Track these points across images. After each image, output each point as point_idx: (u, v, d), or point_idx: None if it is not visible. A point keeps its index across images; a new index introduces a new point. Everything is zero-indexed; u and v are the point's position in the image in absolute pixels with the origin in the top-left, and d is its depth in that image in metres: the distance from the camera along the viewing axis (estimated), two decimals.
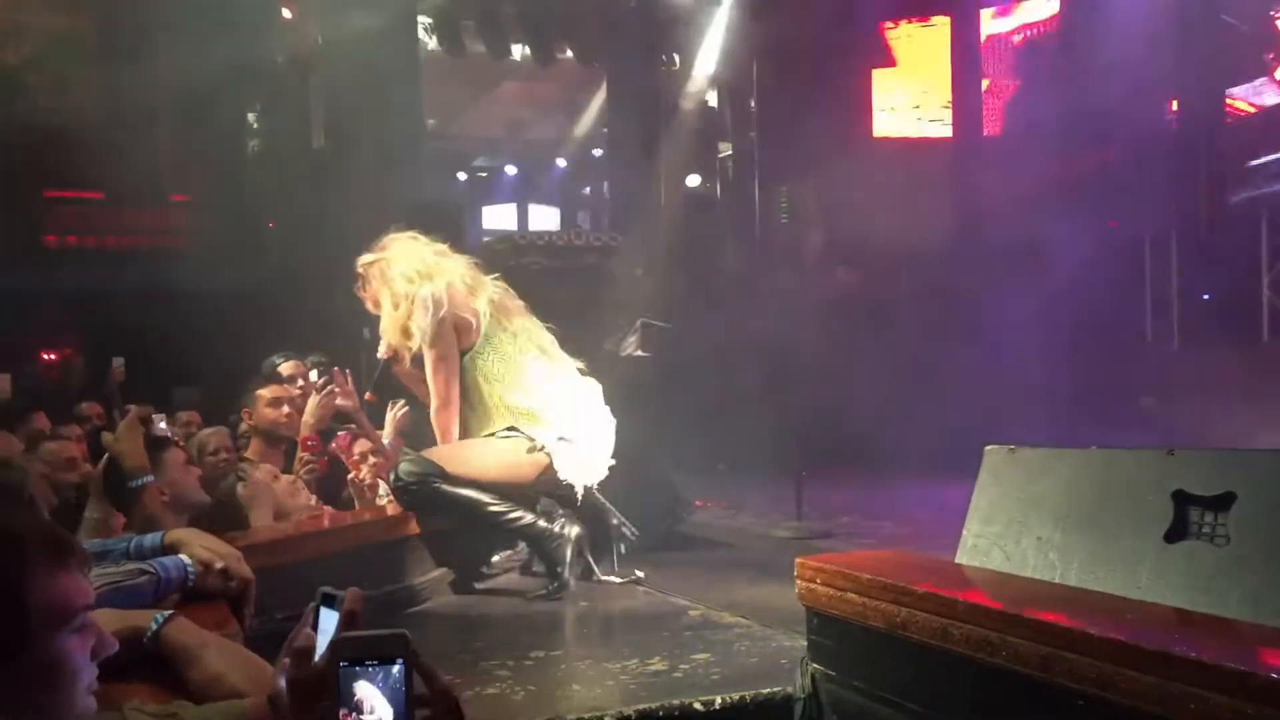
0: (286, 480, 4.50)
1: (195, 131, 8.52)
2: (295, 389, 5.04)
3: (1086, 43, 10.04)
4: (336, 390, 4.86)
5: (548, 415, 4.32)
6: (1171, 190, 9.74)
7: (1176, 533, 2.62)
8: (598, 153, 15.91)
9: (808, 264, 8.91)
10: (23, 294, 8.08)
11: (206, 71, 8.51)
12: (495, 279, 4.58)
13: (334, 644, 1.33)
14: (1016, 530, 2.93)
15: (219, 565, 2.23)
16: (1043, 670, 2.24)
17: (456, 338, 4.38)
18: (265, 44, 8.89)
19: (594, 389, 4.50)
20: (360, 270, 4.60)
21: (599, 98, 13.36)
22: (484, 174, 16.93)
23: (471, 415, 4.43)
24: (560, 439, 4.32)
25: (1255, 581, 2.46)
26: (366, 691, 1.29)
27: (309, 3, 9.25)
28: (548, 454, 4.30)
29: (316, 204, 8.39)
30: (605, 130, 12.70)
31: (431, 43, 10.69)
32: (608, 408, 4.52)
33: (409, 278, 4.42)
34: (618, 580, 4.39)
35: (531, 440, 4.31)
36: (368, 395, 4.75)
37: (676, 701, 2.81)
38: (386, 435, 4.96)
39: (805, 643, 2.93)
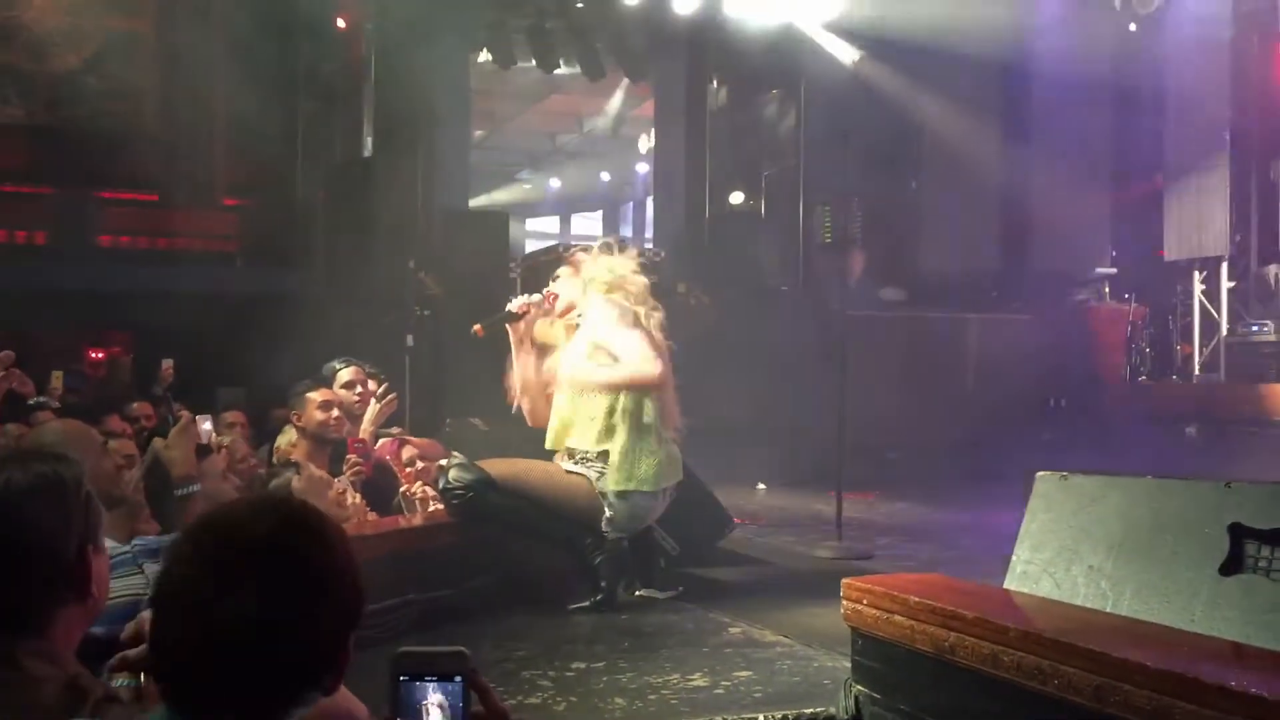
0: (338, 488, 4.54)
1: (249, 137, 8.61)
2: (354, 395, 5.09)
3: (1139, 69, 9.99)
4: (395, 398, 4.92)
5: (630, 472, 4.29)
6: (1222, 219, 9.63)
7: (1232, 565, 2.59)
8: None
9: (851, 283, 8.87)
10: (75, 292, 8.19)
11: (261, 77, 8.62)
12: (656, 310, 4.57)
13: (394, 657, 1.33)
14: (1067, 558, 2.91)
15: None
16: (1095, 701, 2.22)
17: None
18: (319, 52, 8.98)
19: (677, 457, 4.48)
20: (574, 255, 4.62)
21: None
22: (528, 185, 17.01)
23: (568, 428, 4.42)
24: (622, 496, 4.31)
25: None
26: (425, 706, 1.29)
27: (362, 12, 9.35)
28: (607, 506, 4.29)
29: (365, 211, 8.45)
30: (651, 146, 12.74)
31: (482, 54, 10.78)
32: (691, 475, 4.50)
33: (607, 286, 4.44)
34: (658, 595, 4.39)
35: (593, 486, 4.29)
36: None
37: (719, 718, 2.80)
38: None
39: (848, 664, 2.93)
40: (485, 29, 10.06)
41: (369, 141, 9.36)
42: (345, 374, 5.21)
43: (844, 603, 2.90)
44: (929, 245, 10.18)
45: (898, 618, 2.75)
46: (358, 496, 4.61)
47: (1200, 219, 9.57)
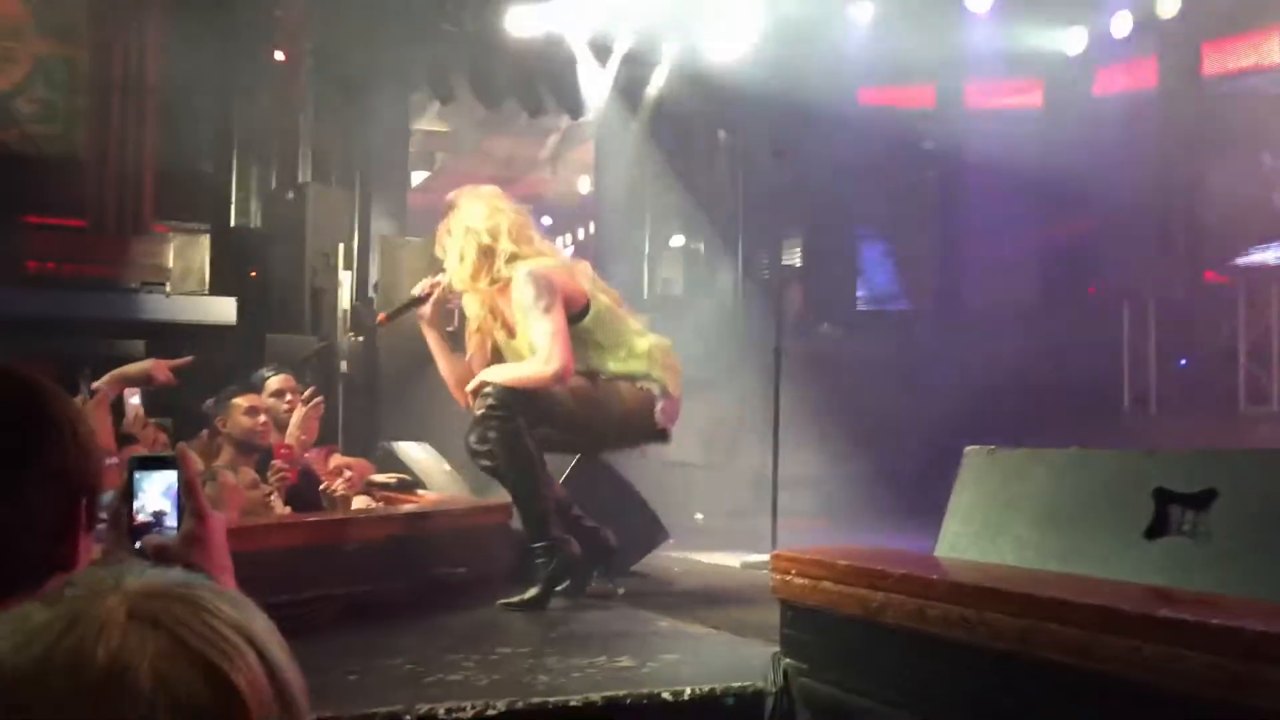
0: (264, 491, 4.43)
1: (182, 166, 8.53)
2: (283, 403, 4.98)
3: (1068, 110, 10.23)
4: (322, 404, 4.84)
5: (651, 359, 4.26)
6: (1152, 258, 9.84)
7: (1157, 529, 2.59)
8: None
9: (791, 319, 8.92)
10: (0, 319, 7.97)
11: (196, 106, 8.55)
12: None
13: (130, 459, 1.43)
14: (994, 529, 2.90)
15: None
16: (1022, 643, 2.19)
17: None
18: (256, 83, 8.92)
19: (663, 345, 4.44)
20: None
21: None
22: None
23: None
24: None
25: (1237, 575, 2.43)
26: (153, 494, 1.39)
27: (302, 47, 9.32)
28: (658, 397, 4.24)
29: (298, 244, 8.35)
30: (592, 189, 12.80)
31: (424, 95, 10.80)
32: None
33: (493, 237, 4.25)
34: (609, 587, 4.33)
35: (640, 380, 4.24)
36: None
37: (645, 690, 2.73)
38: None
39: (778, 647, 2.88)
40: (426, 66, 10.08)
41: (306, 173, 9.29)
42: (275, 382, 5.11)
43: (773, 575, 2.87)
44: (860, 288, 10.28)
45: (825, 584, 2.71)
46: (286, 507, 4.51)
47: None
